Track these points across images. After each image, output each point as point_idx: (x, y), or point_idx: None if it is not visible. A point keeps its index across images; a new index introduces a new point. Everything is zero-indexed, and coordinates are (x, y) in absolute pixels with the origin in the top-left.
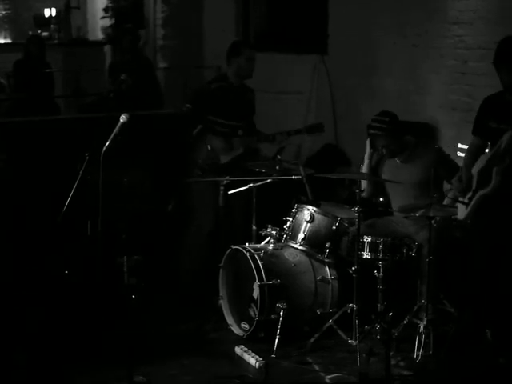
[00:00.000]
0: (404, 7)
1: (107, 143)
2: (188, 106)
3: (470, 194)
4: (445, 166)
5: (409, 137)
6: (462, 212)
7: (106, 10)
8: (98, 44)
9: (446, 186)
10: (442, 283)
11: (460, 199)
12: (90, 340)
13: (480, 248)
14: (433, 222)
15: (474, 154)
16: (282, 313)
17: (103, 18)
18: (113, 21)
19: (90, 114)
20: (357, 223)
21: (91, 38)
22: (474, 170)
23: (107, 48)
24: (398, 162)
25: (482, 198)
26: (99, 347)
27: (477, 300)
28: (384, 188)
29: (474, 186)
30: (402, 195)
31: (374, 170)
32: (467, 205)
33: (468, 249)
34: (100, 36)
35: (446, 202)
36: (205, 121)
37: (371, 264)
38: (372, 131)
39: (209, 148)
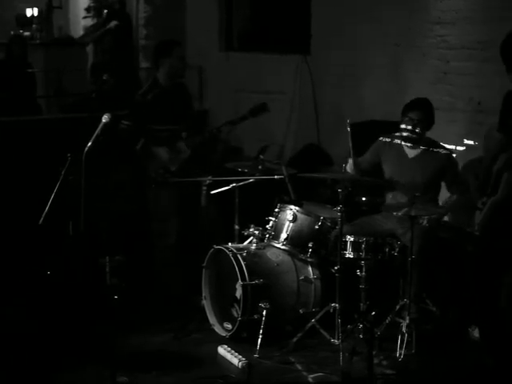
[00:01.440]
0: (386, 7)
1: (89, 143)
2: (125, 123)
3: (484, 199)
4: (451, 171)
5: (427, 136)
6: (478, 217)
7: (88, 9)
8: (81, 44)
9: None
10: (425, 283)
11: (478, 205)
12: (72, 340)
13: (486, 255)
14: (425, 222)
15: (497, 151)
16: (264, 312)
17: (85, 17)
18: (95, 20)
19: (72, 114)
20: (339, 222)
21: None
22: (495, 169)
23: (89, 48)
24: (409, 157)
25: (493, 205)
26: (82, 348)
27: (462, 300)
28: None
29: (489, 190)
30: (404, 191)
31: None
32: (480, 210)
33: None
34: None
35: (443, 203)
36: (145, 133)
37: (354, 263)
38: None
39: (157, 160)
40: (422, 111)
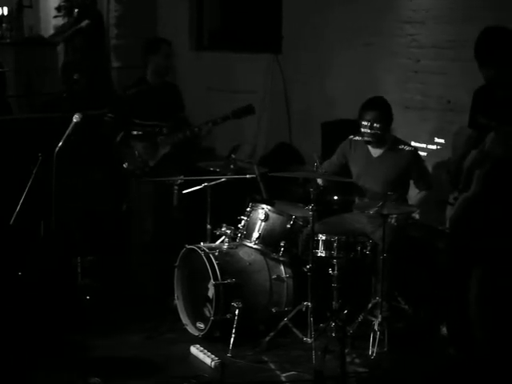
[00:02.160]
0: (357, 6)
1: (60, 143)
2: (109, 115)
3: (456, 194)
4: (417, 168)
5: (389, 134)
6: (449, 212)
7: (58, 8)
8: (52, 43)
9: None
10: (397, 281)
11: (450, 200)
12: (44, 341)
13: (456, 251)
14: (393, 220)
15: (468, 147)
16: (237, 312)
17: (56, 16)
18: (66, 20)
19: (43, 113)
20: (311, 221)
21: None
22: (465, 165)
23: (60, 47)
24: (373, 156)
25: (465, 201)
26: (53, 349)
27: (433, 298)
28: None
29: (460, 185)
30: (373, 190)
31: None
32: (452, 205)
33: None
34: None
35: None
36: (127, 126)
37: (326, 262)
38: (369, 106)
39: (136, 153)
40: (377, 110)
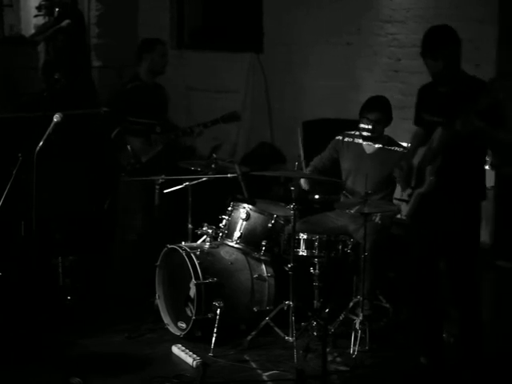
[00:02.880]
0: (338, 5)
1: (41, 143)
2: (105, 109)
3: (409, 191)
4: None
5: (385, 134)
6: (404, 209)
7: (39, 7)
8: (32, 42)
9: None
10: (378, 279)
11: (402, 197)
12: (24, 342)
13: (417, 246)
14: (377, 219)
15: (416, 144)
16: (218, 311)
17: (36, 16)
18: (46, 19)
19: (23, 113)
20: (292, 220)
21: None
22: (415, 162)
23: (41, 46)
24: (367, 153)
25: (419, 197)
26: (34, 349)
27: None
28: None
29: (412, 183)
30: (361, 188)
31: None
32: (407, 202)
33: (405, 246)
34: None
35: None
36: (122, 122)
37: (307, 261)
38: (373, 107)
39: (129, 149)
40: (380, 111)
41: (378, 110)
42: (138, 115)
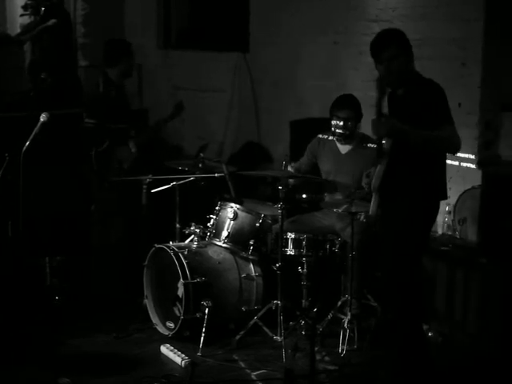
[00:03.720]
0: (324, 5)
1: (27, 143)
2: (90, 121)
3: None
4: None
5: (357, 131)
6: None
7: (25, 7)
8: (18, 42)
9: None
10: (366, 278)
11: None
12: (12, 342)
13: (382, 244)
14: (362, 217)
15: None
16: (207, 311)
17: (22, 15)
18: (32, 18)
19: (9, 113)
20: (280, 220)
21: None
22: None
23: (27, 46)
24: (342, 153)
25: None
26: (22, 349)
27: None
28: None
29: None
30: (343, 186)
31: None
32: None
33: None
34: None
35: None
36: (108, 133)
37: (295, 260)
38: (341, 105)
39: (117, 160)
40: (350, 109)
41: (348, 107)
42: (116, 121)
